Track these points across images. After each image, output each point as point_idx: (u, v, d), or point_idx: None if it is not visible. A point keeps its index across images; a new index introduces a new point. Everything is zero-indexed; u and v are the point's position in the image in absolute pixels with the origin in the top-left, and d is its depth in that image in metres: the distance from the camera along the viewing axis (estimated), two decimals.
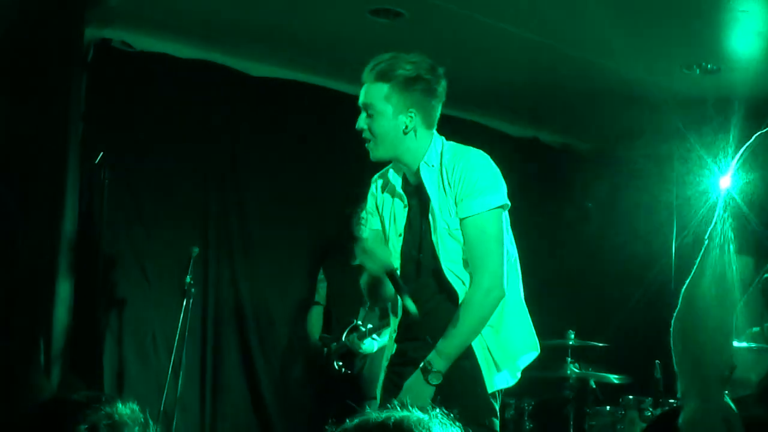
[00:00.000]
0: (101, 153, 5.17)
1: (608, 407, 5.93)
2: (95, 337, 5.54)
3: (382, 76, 3.18)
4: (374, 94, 3.20)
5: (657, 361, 5.95)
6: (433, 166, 3.22)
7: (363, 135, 3.26)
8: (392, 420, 1.57)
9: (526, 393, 6.09)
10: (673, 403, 5.64)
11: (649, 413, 5.65)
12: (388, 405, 1.76)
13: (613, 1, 5.19)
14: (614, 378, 6.03)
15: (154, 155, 5.91)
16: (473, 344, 3.15)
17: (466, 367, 3.16)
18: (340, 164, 6.41)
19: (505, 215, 3.24)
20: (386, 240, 3.38)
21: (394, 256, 3.30)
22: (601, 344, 6.27)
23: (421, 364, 3.10)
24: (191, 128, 6.07)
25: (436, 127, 3.31)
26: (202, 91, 6.14)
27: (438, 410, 1.71)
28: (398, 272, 3.25)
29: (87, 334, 5.48)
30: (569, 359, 6.00)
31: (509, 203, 3.22)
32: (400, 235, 3.31)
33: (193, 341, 5.78)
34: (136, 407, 1.96)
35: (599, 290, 7.41)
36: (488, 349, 3.17)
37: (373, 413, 1.63)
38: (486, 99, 7.12)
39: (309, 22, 5.73)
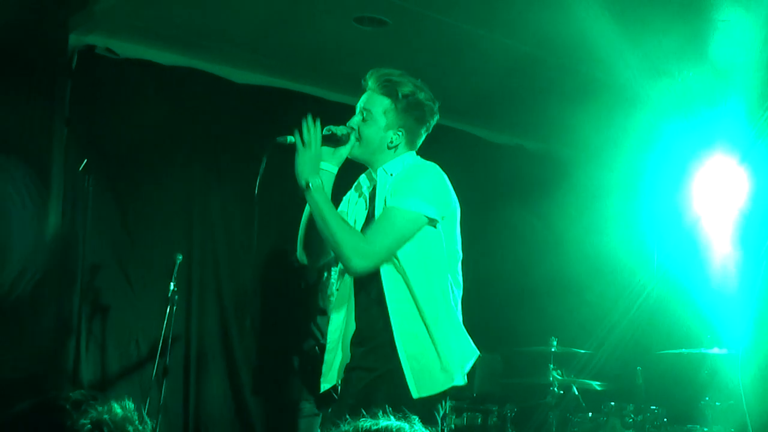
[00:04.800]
0: (85, 160, 5.17)
1: (590, 414, 5.95)
2: (77, 342, 5.54)
3: (388, 91, 3.30)
4: (375, 103, 3.32)
5: (638, 367, 5.98)
6: (391, 174, 3.32)
7: (351, 134, 3.33)
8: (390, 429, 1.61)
9: (509, 399, 6.11)
10: (654, 409, 5.68)
11: (631, 420, 5.67)
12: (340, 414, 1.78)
13: (596, 9, 5.22)
14: (596, 384, 6.06)
15: (138, 162, 5.91)
16: (399, 350, 3.13)
17: (390, 373, 3.15)
18: None
19: (444, 230, 3.26)
20: None
21: None
22: (583, 351, 6.30)
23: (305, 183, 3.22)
24: (175, 135, 6.07)
25: (416, 149, 3.43)
26: (186, 98, 6.15)
27: (416, 419, 1.73)
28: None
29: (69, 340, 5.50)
30: (552, 366, 6.02)
31: (438, 219, 3.23)
32: None
33: (176, 348, 5.78)
34: (131, 405, 1.97)
35: (582, 297, 7.43)
36: (415, 356, 3.15)
37: (366, 421, 1.65)
38: (469, 106, 7.14)
39: (294, 29, 5.74)
